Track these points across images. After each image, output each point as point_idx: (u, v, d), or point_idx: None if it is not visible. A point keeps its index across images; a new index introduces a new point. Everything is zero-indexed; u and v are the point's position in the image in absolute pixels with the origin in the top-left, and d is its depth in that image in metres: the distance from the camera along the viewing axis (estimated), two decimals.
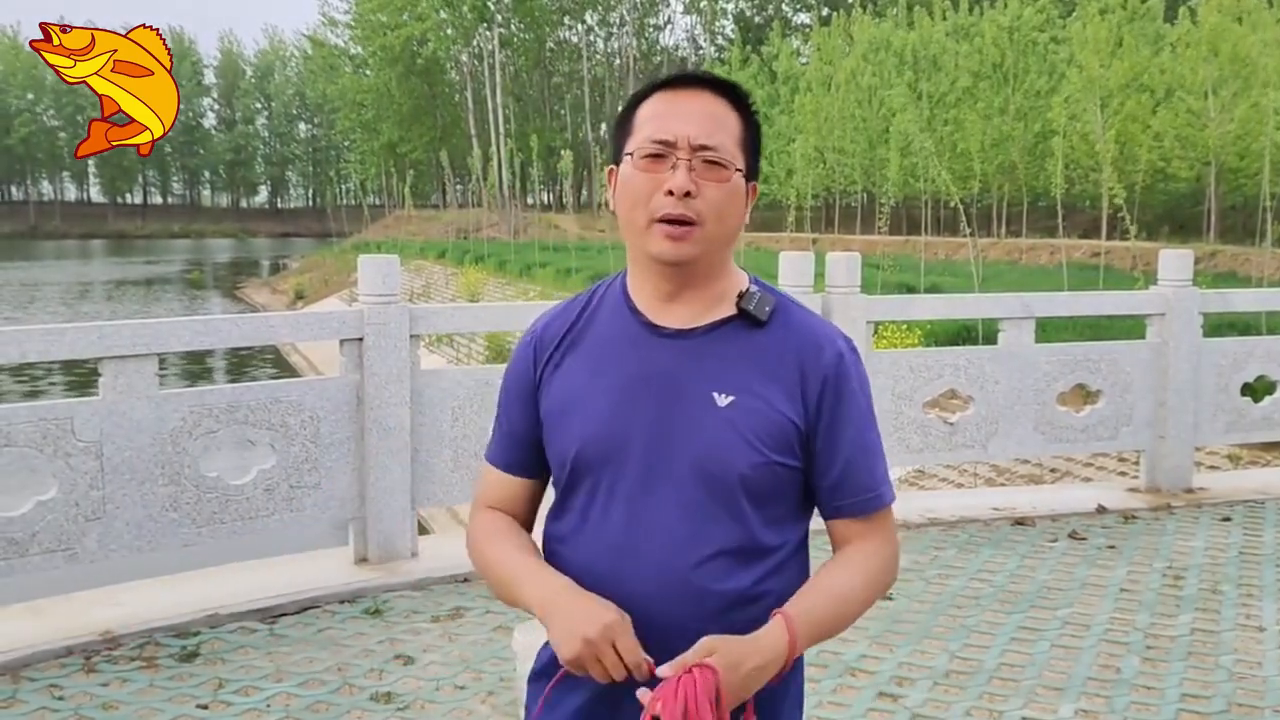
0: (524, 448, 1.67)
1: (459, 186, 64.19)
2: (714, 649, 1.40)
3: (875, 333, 6.38)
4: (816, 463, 1.57)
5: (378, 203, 67.04)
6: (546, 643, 1.60)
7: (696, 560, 1.49)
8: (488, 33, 57.42)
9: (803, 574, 1.60)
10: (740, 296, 1.58)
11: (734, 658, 1.41)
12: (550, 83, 64.55)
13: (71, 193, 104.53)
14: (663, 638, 1.48)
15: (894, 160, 30.54)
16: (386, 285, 5.10)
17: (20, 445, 4.26)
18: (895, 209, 32.76)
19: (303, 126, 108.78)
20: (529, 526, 1.72)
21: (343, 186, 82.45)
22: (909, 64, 38.09)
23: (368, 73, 63.35)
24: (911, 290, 18.34)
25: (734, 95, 1.57)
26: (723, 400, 1.52)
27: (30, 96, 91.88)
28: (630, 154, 1.54)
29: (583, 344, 1.61)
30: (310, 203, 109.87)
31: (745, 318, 1.57)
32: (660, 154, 1.51)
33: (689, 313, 1.57)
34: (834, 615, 1.53)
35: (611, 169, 1.60)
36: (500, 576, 1.60)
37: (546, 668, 1.62)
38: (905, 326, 13.82)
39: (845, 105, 38.63)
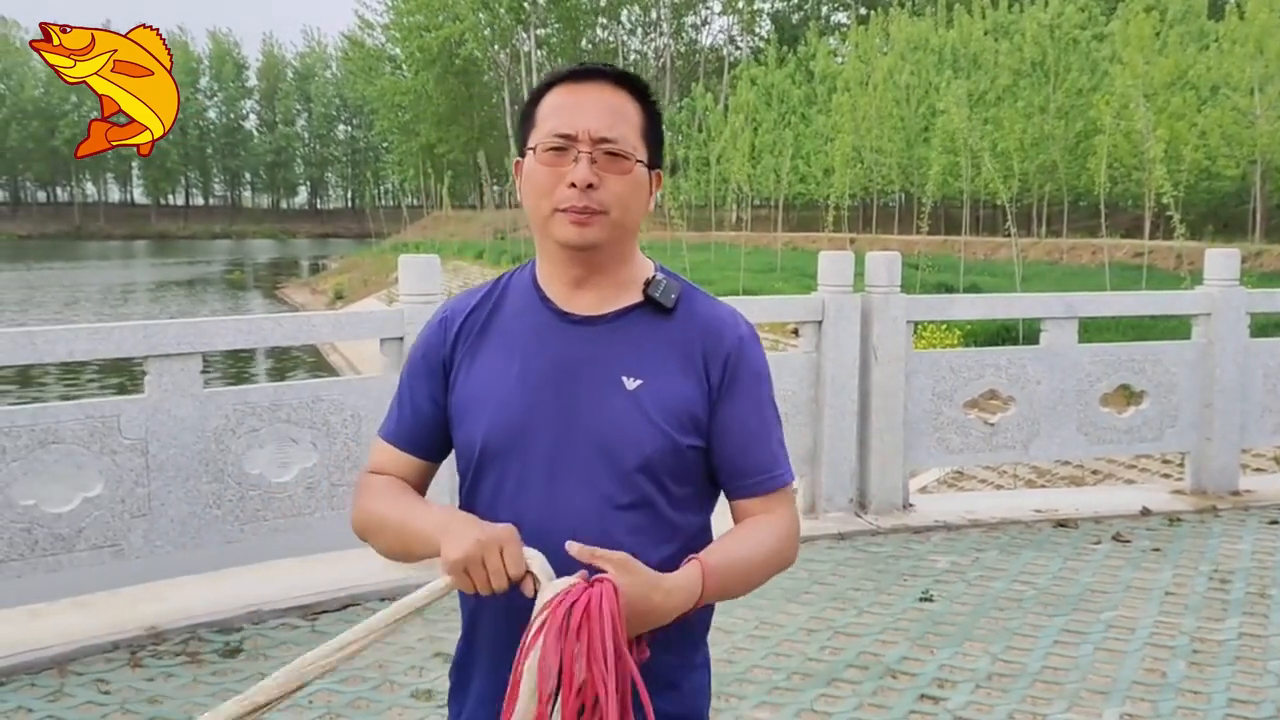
0: (424, 427, 1.68)
1: (496, 187, 64.37)
2: (626, 566, 1.41)
3: (915, 333, 6.34)
4: (715, 444, 1.60)
5: (415, 203, 67.43)
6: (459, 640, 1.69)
7: (606, 542, 1.49)
8: (524, 33, 57.62)
9: None
10: (647, 284, 1.60)
11: (643, 584, 1.41)
12: None
13: (115, 194, 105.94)
14: None
15: (935, 159, 30.29)
16: (427, 285, 5.13)
17: (68, 442, 4.33)
18: (934, 209, 32.51)
19: (342, 128, 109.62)
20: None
21: (381, 188, 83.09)
22: (948, 62, 37.79)
23: (405, 74, 63.77)
24: (950, 290, 18.18)
25: (634, 86, 1.58)
26: (631, 384, 1.56)
27: (75, 99, 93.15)
28: (533, 148, 1.56)
29: (492, 332, 1.63)
30: (349, 204, 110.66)
31: (651, 305, 1.59)
32: (562, 147, 1.53)
33: (597, 299, 1.60)
34: (743, 574, 1.57)
35: (518, 161, 1.62)
36: (390, 521, 1.60)
37: (456, 665, 1.71)
38: (945, 327, 13.72)
39: (883, 104, 38.37)
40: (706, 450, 1.60)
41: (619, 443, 1.53)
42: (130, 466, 4.45)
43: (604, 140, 1.52)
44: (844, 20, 59.46)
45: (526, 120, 1.59)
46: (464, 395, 1.63)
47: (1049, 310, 6.55)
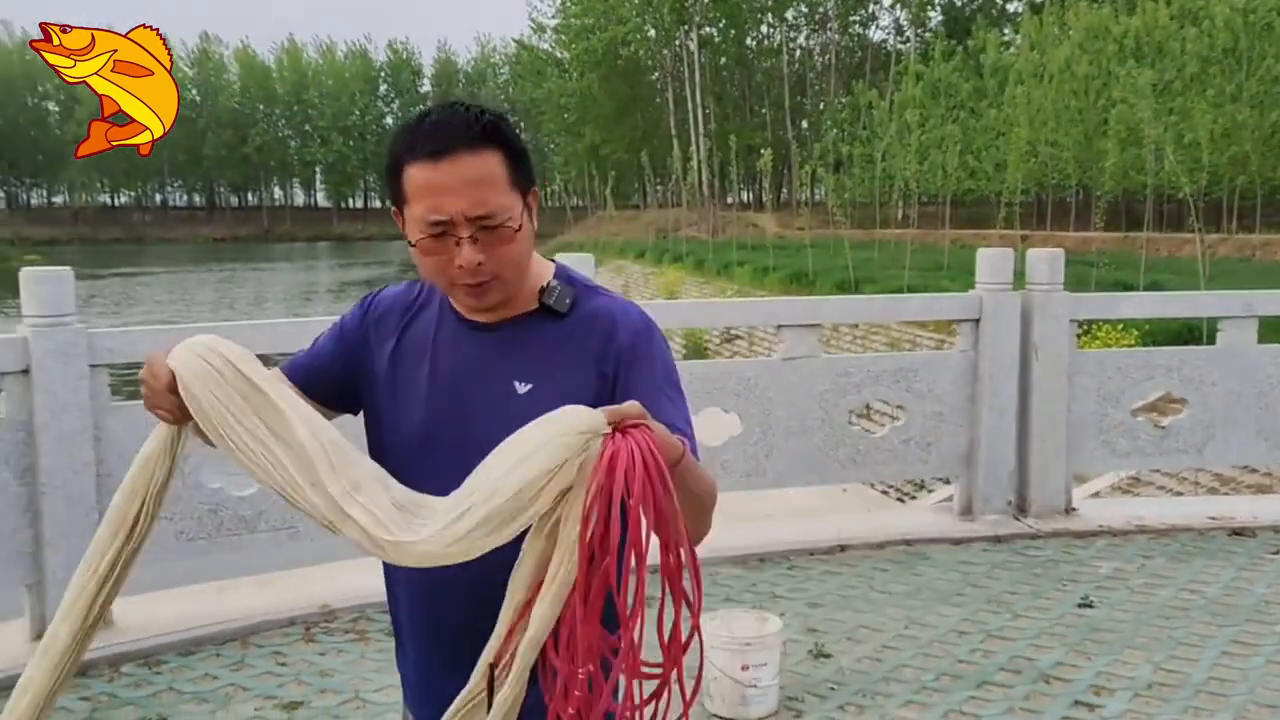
0: (316, 375, 1.75)
1: (659, 187, 64.88)
2: (644, 413, 1.38)
3: (1087, 332, 6.15)
4: None
5: (580, 204, 68.52)
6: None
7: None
8: (688, 34, 57.84)
9: None
10: (541, 291, 1.64)
11: (658, 431, 1.39)
12: (751, 81, 64.34)
13: (300, 197, 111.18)
14: (464, 614, 1.58)
15: (1112, 152, 29.03)
16: None
17: None
18: (1114, 204, 31.13)
19: None
20: None
21: (546, 189, 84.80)
22: (1130, 51, 36.12)
23: (572, 76, 64.87)
24: (1130, 289, 17.42)
25: (488, 135, 1.56)
26: (522, 388, 1.60)
27: (262, 107, 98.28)
28: (414, 237, 1.57)
29: (409, 333, 1.70)
30: None
31: (545, 310, 1.64)
32: (440, 233, 1.54)
33: (500, 308, 1.64)
34: (698, 478, 1.49)
35: (395, 211, 1.63)
36: None
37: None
38: (1120, 327, 13.18)
39: (1059, 96, 36.98)
40: None
41: None
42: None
43: (480, 218, 1.54)
44: (1017, 9, 57.51)
45: (393, 183, 1.60)
46: (374, 394, 1.71)
47: (1226, 309, 6.25)
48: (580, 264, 5.27)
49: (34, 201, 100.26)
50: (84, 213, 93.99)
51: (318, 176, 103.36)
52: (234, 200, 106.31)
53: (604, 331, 1.63)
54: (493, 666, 1.44)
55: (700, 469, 1.52)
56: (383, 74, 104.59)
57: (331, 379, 1.75)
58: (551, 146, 79.18)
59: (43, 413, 4.26)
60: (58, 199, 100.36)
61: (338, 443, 1.45)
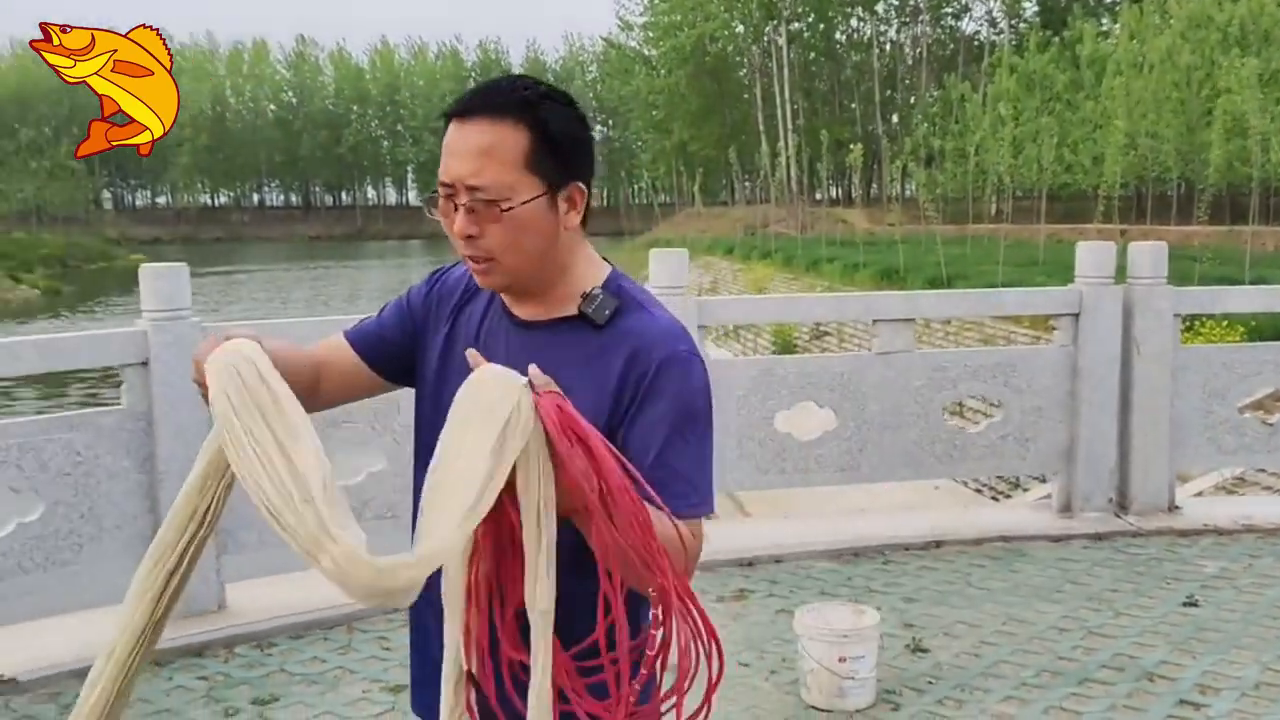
0: (380, 346, 1.75)
1: (747, 183, 64.66)
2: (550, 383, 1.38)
3: (1190, 328, 6.02)
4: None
5: (667, 201, 68.59)
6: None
7: None
8: (777, 29, 57.50)
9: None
10: (584, 298, 1.58)
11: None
12: (840, 76, 63.74)
13: (392, 196, 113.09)
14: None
15: (1217, 144, 28.08)
16: (674, 278, 5.31)
17: (357, 421, 4.77)
18: (1217, 197, 30.19)
19: (598, 129, 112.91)
20: (332, 394, 1.77)
21: (635, 186, 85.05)
22: (1235, 39, 34.93)
23: (660, 73, 64.95)
24: (1234, 285, 16.89)
25: (519, 108, 1.51)
26: None
27: (356, 108, 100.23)
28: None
29: (460, 320, 1.69)
30: (603, 202, 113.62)
31: (585, 319, 1.57)
32: (447, 195, 1.54)
33: (540, 307, 1.61)
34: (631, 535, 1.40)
35: None
36: None
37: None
38: (1225, 324, 12.81)
39: (1160, 87, 35.93)
40: None
41: None
42: (409, 447, 4.85)
43: (474, 188, 1.50)
44: None
45: (442, 139, 1.60)
46: (422, 381, 1.73)
47: None
48: (675, 260, 5.34)
49: (138, 203, 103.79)
50: (186, 213, 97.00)
51: (409, 175, 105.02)
52: (329, 200, 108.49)
53: (633, 351, 1.53)
54: (470, 673, 1.44)
55: (660, 527, 1.42)
56: (473, 74, 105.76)
57: (398, 349, 1.76)
58: (639, 144, 79.42)
59: (161, 404, 4.45)
60: (161, 199, 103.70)
61: (335, 484, 1.38)
